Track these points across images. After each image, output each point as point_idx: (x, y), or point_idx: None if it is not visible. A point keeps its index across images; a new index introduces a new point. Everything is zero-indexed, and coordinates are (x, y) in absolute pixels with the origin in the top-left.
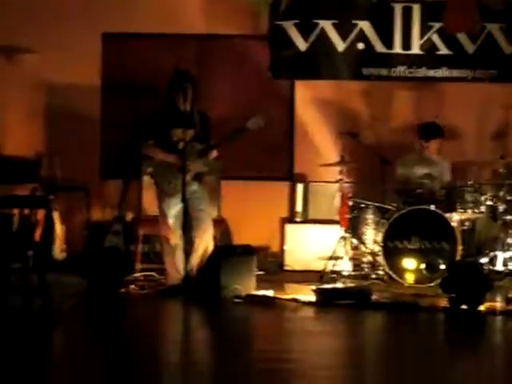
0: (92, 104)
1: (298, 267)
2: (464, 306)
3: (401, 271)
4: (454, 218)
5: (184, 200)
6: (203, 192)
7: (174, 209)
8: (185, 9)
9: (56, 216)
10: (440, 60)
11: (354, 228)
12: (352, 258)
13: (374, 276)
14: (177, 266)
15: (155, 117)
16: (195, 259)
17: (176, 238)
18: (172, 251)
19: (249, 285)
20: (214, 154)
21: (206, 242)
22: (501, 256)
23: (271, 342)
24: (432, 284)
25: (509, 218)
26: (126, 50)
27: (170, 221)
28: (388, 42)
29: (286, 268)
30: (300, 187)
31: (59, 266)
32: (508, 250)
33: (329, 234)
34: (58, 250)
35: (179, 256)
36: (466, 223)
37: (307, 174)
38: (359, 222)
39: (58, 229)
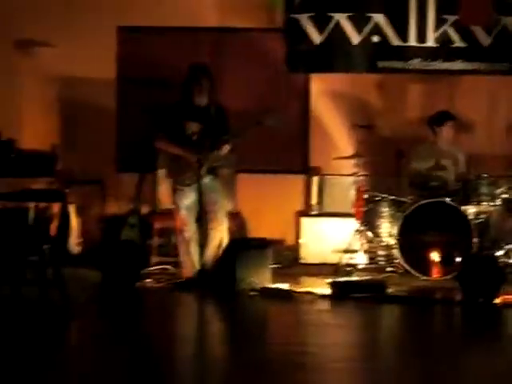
0: (107, 97)
1: (313, 260)
2: (480, 299)
3: (416, 264)
4: (470, 210)
5: (199, 193)
6: (218, 185)
7: (188, 201)
8: (199, 2)
9: (72, 209)
10: (455, 53)
11: (369, 221)
12: (367, 251)
13: (389, 269)
14: (191, 259)
15: (169, 110)
16: (210, 252)
17: (190, 231)
18: (186, 244)
19: (264, 278)
20: (227, 148)
21: (220, 235)
22: None
23: (287, 335)
24: (448, 277)
25: None
26: (141, 44)
27: (184, 213)
28: (403, 35)
29: (302, 261)
30: (315, 180)
31: (75, 260)
32: None
33: (344, 227)
34: (74, 244)
35: (194, 249)
36: (482, 216)
37: (322, 167)
38: (374, 215)
39: (74, 222)
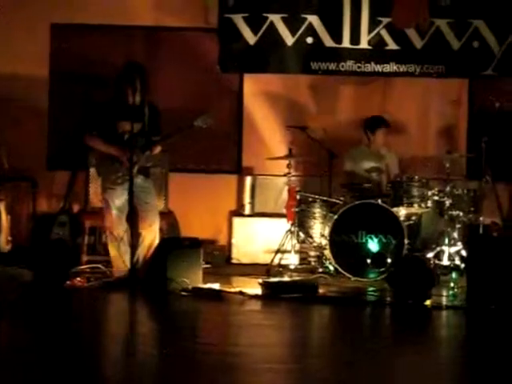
0: (40, 95)
1: (244, 260)
2: (410, 301)
3: (347, 265)
4: (401, 212)
5: (130, 192)
6: (150, 185)
7: (119, 201)
8: (134, 0)
9: (2, 207)
10: (388, 55)
11: (301, 222)
12: (299, 252)
13: (320, 270)
14: (122, 258)
15: (101, 108)
16: (141, 252)
17: (120, 230)
18: (116, 243)
19: (195, 278)
20: (158, 149)
21: (152, 235)
22: (447, 251)
23: (217, 335)
24: (378, 278)
25: (455, 213)
26: (74, 41)
27: (114, 212)
28: (337, 37)
29: (233, 261)
30: (249, 180)
31: (5, 258)
32: (454, 244)
33: (276, 227)
34: (4, 242)
35: (124, 248)
36: (413, 218)
37: (255, 167)
38: (306, 215)
39: (4, 220)
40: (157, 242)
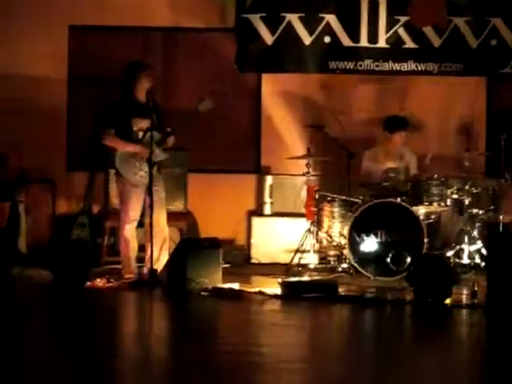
0: (58, 96)
1: (264, 260)
2: (430, 299)
3: (367, 264)
4: (420, 211)
5: (150, 191)
6: (162, 180)
7: (138, 200)
8: (151, 2)
9: (22, 209)
10: (406, 53)
11: (320, 221)
12: (318, 251)
13: (340, 269)
14: (131, 258)
15: (115, 106)
16: (156, 250)
17: (132, 230)
18: (127, 242)
19: (215, 278)
20: (172, 140)
21: (162, 228)
22: (466, 249)
23: (237, 334)
24: (398, 277)
25: (474, 211)
26: (92, 43)
27: (131, 213)
28: (354, 36)
29: (253, 261)
30: (268, 180)
31: (25, 259)
32: (473, 243)
33: (295, 227)
34: (24, 243)
35: (134, 248)
36: (432, 216)
37: (274, 166)
38: (325, 215)
39: (24, 221)
40: (167, 233)
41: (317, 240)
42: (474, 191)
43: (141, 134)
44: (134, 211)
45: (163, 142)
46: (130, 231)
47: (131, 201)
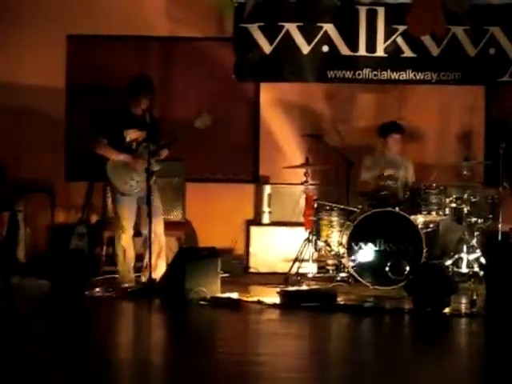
0: (57, 105)
1: (262, 269)
2: (428, 309)
3: (365, 273)
4: (419, 220)
5: (148, 201)
6: (157, 190)
7: (130, 209)
8: (149, 11)
9: (20, 218)
10: (404, 62)
11: (318, 230)
12: (317, 260)
13: (338, 278)
14: (128, 267)
15: (109, 115)
16: (153, 258)
17: (128, 239)
18: (123, 252)
19: (213, 287)
20: (165, 152)
21: (158, 236)
22: (465, 258)
23: (236, 344)
24: (397, 286)
25: (473, 220)
26: (90, 52)
27: (124, 222)
28: (353, 45)
29: (251, 270)
30: (267, 189)
31: (23, 269)
32: (472, 252)
33: (294, 236)
34: (22, 253)
35: (130, 257)
36: (431, 225)
37: (272, 176)
38: (324, 224)
39: (23, 231)
40: (164, 240)
41: (315, 249)
42: (473, 200)
43: (134, 145)
44: (127, 220)
45: (156, 153)
46: (125, 240)
47: (123, 210)
